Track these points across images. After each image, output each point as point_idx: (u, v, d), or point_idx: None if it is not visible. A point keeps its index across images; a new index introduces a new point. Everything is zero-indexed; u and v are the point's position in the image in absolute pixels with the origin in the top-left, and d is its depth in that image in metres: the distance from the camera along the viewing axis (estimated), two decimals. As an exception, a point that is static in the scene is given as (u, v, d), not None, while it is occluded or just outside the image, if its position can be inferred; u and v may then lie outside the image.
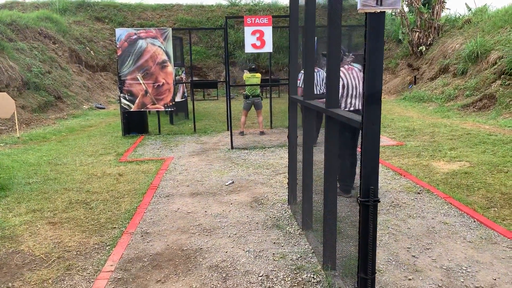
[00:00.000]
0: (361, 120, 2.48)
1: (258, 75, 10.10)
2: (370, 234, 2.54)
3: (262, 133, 10.19)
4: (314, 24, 4.05)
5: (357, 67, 5.53)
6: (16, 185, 6.18)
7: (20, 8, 21.78)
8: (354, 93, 5.20)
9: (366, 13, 2.35)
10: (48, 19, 18.57)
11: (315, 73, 5.77)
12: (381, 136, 9.27)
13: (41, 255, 3.98)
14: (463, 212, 4.71)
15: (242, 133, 10.14)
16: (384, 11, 2.35)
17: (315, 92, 5.56)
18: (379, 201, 2.53)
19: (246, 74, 10.07)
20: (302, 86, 4.33)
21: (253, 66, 10.29)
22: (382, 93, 16.51)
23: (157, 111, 10.69)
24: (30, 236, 4.42)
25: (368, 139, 2.47)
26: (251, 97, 9.88)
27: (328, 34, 3.14)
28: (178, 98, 11.47)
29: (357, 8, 2.34)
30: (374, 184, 2.50)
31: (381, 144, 8.79)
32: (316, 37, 8.26)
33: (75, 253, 4.02)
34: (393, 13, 22.07)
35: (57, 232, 4.50)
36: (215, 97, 20.32)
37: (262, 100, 10.25)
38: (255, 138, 9.75)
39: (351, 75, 5.18)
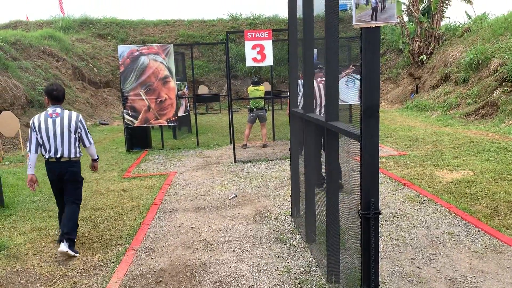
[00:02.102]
0: (359, 133, 2.51)
1: (262, 88, 10.15)
2: (372, 247, 2.54)
3: (265, 145, 10.21)
4: (312, 38, 4.10)
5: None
6: (21, 204, 6.22)
7: (24, 27, 22.09)
8: None
9: (361, 28, 2.39)
10: (51, 38, 18.81)
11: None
12: (384, 146, 9.22)
13: (46, 274, 3.99)
14: (467, 222, 4.69)
15: (245, 146, 10.17)
16: (379, 26, 2.39)
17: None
18: (380, 214, 2.54)
19: (250, 88, 10.14)
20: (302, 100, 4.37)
21: (256, 80, 10.36)
22: (385, 103, 16.51)
23: (160, 126, 10.75)
24: (34, 254, 4.43)
25: (367, 151, 2.48)
26: (255, 110, 9.93)
27: (326, 53, 3.18)
28: (180, 113, 11.55)
29: (353, 24, 2.38)
30: (374, 196, 2.51)
31: (384, 154, 8.77)
32: (316, 49, 8.34)
33: (80, 270, 4.03)
34: (393, 23, 22.20)
35: (62, 250, 4.51)
36: (217, 111, 20.42)
37: (266, 112, 10.30)
38: (258, 150, 9.77)
39: None
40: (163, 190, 6.67)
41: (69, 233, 4.32)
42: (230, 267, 3.93)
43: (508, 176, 6.22)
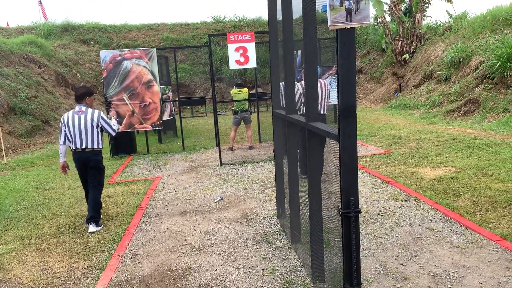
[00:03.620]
0: (337, 132, 2.53)
1: (245, 90, 10.16)
2: (353, 245, 2.57)
3: (251, 147, 10.22)
4: (292, 40, 4.13)
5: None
6: (4, 213, 6.13)
7: (5, 34, 21.77)
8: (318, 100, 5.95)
9: (336, 29, 2.42)
10: (33, 44, 18.57)
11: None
12: (368, 144, 9.28)
13: (29, 283, 3.94)
14: (449, 218, 4.76)
15: (231, 149, 10.17)
16: (354, 27, 2.42)
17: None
18: (360, 212, 2.57)
19: (233, 90, 10.16)
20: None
21: (239, 82, 10.36)
22: (369, 102, 16.62)
23: (145, 131, 10.69)
24: (18, 264, 4.37)
25: (345, 151, 2.51)
26: (239, 112, 9.94)
27: (305, 54, 3.21)
28: (165, 117, 11.50)
29: (328, 26, 2.41)
30: (354, 195, 2.54)
31: (368, 153, 8.84)
32: (299, 51, 8.38)
33: (64, 279, 3.99)
34: (376, 23, 22.45)
35: (46, 259, 4.46)
36: (203, 114, 20.37)
37: (251, 114, 10.29)
38: (244, 153, 9.78)
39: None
40: (148, 195, 6.63)
41: (93, 216, 5.25)
42: (216, 270, 3.92)
43: (489, 171, 6.33)
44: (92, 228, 5.21)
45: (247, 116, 10.02)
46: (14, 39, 18.73)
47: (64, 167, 5.47)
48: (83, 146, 5.23)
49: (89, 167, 5.34)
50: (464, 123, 11.20)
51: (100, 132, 5.34)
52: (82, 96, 5.34)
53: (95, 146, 5.30)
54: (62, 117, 5.33)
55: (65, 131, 5.28)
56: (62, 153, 5.41)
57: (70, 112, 5.32)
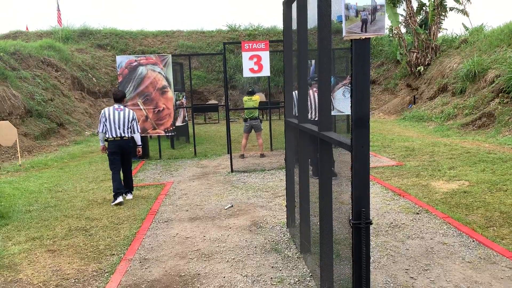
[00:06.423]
0: (350, 142, 2.53)
1: (255, 97, 10.18)
2: (364, 257, 2.55)
3: (262, 155, 10.22)
4: (306, 50, 4.14)
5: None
6: (17, 213, 6.20)
7: (24, 38, 22.20)
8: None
9: (351, 40, 2.42)
10: (51, 48, 18.90)
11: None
12: (380, 156, 9.20)
13: (39, 284, 3.98)
14: (462, 232, 4.69)
15: (242, 156, 10.18)
16: (369, 38, 2.43)
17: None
18: (371, 223, 2.55)
19: (244, 97, 10.20)
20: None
21: (250, 90, 10.40)
22: (382, 114, 16.49)
23: (158, 136, 10.77)
24: (29, 264, 4.42)
25: (358, 161, 2.50)
26: (249, 120, 9.97)
27: (319, 61, 3.22)
28: (178, 123, 11.57)
29: (343, 36, 2.42)
30: (365, 206, 2.52)
31: (380, 164, 8.76)
32: (314, 60, 8.40)
33: (73, 281, 4.02)
34: (391, 34, 22.39)
35: (56, 260, 4.50)
36: (216, 121, 20.46)
37: (261, 122, 10.31)
38: (255, 160, 9.78)
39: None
40: (159, 200, 6.67)
41: (131, 188, 6.89)
42: (224, 277, 3.92)
43: (504, 186, 6.23)
44: (130, 196, 6.77)
45: (256, 124, 10.04)
46: (33, 43, 19.09)
47: (104, 148, 6.83)
48: (122, 135, 6.51)
49: (126, 152, 6.67)
50: (478, 137, 11.07)
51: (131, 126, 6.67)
52: (122, 98, 6.84)
53: (130, 135, 6.64)
54: (103, 110, 6.61)
55: (104, 122, 6.52)
56: (101, 139, 6.73)
57: (111, 108, 6.61)
